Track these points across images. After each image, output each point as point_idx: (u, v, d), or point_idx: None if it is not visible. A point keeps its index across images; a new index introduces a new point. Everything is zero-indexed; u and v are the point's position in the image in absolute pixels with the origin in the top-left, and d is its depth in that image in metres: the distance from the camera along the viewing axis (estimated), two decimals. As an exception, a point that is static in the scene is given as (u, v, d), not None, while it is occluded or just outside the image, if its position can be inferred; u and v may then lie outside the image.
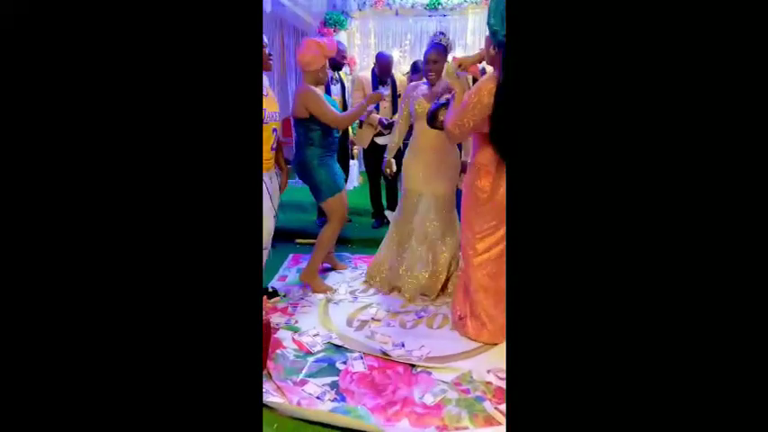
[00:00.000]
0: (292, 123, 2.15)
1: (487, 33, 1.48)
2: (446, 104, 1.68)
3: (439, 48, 1.92)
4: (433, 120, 1.75)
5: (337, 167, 2.17)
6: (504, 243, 1.62)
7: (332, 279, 2.33)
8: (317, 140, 2.04)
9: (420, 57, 4.32)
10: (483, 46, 1.60)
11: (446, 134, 1.62)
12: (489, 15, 1.41)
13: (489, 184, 1.55)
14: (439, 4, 3.71)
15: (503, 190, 1.54)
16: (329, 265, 2.45)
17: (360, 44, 4.26)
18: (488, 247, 1.63)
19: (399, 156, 2.25)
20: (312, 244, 2.91)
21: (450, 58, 1.82)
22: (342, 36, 3.95)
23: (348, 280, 2.31)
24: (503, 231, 1.60)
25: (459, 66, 1.68)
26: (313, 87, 1.98)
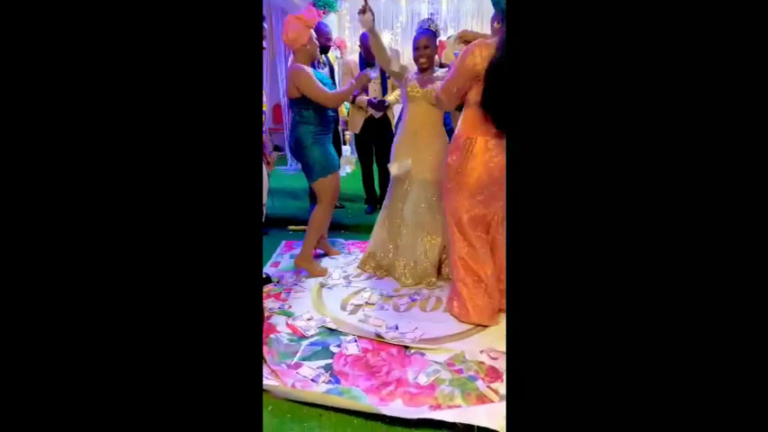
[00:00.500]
0: (286, 104, 2.12)
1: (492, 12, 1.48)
2: None
3: (428, 33, 1.90)
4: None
5: (332, 148, 2.15)
6: (474, 223, 1.63)
7: (325, 264, 2.32)
8: (310, 119, 2.02)
9: (410, 39, 4.28)
10: (473, 29, 1.59)
11: (437, 103, 1.62)
12: None
13: (457, 159, 1.55)
14: (430, -16, 3.65)
15: (471, 166, 1.53)
16: (322, 251, 2.44)
17: (350, 26, 4.18)
18: (461, 226, 1.64)
19: (389, 141, 2.22)
20: (305, 230, 2.93)
21: (447, 37, 1.82)
22: (332, 18, 3.87)
23: (342, 265, 2.31)
24: (474, 212, 1.60)
25: (460, 38, 1.69)
26: (303, 66, 1.95)
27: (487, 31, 1.51)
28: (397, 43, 4.08)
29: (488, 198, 1.59)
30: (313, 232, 2.18)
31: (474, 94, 1.48)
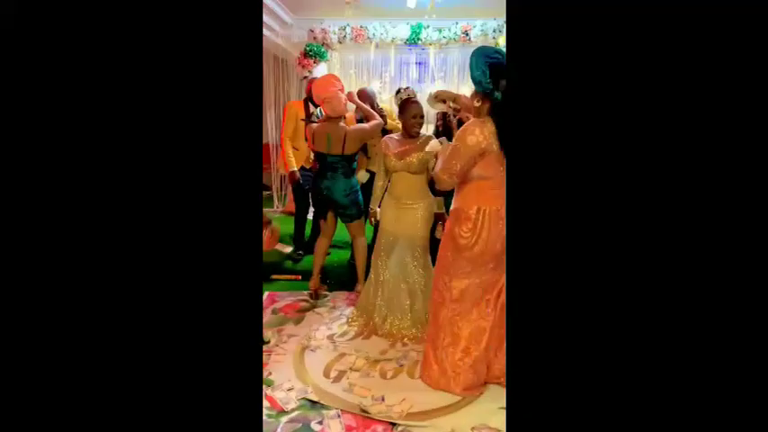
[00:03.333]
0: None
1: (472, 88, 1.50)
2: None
3: (417, 103, 1.96)
4: (431, 184, 1.79)
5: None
6: (479, 292, 1.59)
7: (309, 320, 2.23)
8: (353, 170, 2.34)
9: (400, 85, 4.38)
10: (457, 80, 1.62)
11: (437, 182, 1.60)
12: (472, 68, 1.43)
13: (468, 230, 1.52)
14: (418, 39, 3.78)
15: (486, 237, 1.51)
16: (313, 290, 2.49)
17: (340, 75, 4.27)
18: (462, 295, 1.59)
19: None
20: (291, 279, 2.84)
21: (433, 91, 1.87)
22: (322, 67, 3.95)
23: (327, 322, 2.22)
24: (478, 280, 1.57)
25: (436, 97, 1.76)
26: (360, 126, 2.30)
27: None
28: (386, 91, 4.18)
29: (498, 264, 1.56)
30: (364, 262, 2.44)
31: (479, 169, 1.48)
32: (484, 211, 1.50)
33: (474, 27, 3.74)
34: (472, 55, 1.43)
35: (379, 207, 2.18)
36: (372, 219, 2.21)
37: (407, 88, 2.02)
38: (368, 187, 2.61)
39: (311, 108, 2.85)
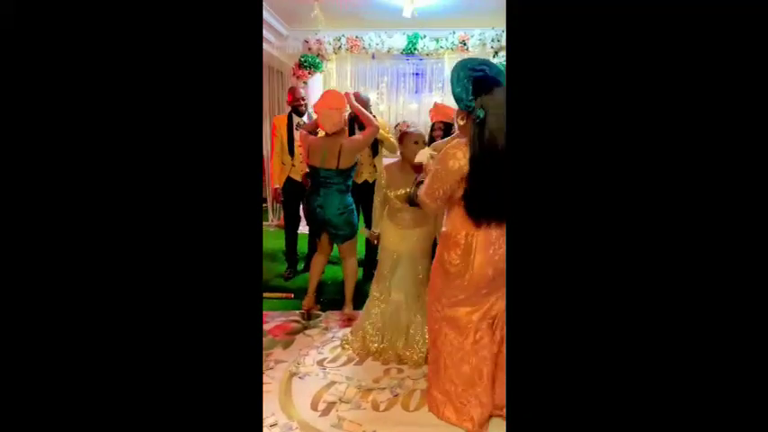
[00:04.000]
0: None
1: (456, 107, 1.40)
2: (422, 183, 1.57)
3: (414, 132, 1.88)
4: (412, 200, 1.67)
5: None
6: (474, 319, 1.47)
7: (299, 343, 2.10)
8: (349, 186, 2.24)
9: (396, 98, 4.33)
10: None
11: (422, 206, 1.49)
12: (453, 84, 1.31)
13: (458, 256, 1.40)
14: (415, 49, 3.71)
15: (477, 264, 1.39)
16: (306, 310, 2.39)
17: (336, 86, 4.21)
18: (456, 324, 1.47)
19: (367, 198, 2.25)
20: (282, 298, 2.71)
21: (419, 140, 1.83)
22: (317, 78, 3.89)
23: (318, 345, 2.09)
24: (471, 308, 1.45)
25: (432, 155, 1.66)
26: (354, 137, 2.26)
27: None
28: (383, 102, 4.11)
29: (492, 290, 1.45)
30: (353, 284, 2.36)
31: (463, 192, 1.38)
32: (472, 235, 1.38)
33: (472, 36, 3.67)
34: (454, 69, 1.31)
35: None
36: (375, 241, 2.11)
37: (404, 122, 2.10)
38: (366, 193, 2.54)
39: (295, 120, 2.79)
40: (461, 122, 1.35)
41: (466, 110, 1.31)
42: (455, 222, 1.41)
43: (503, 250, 1.39)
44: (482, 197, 1.31)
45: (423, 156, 1.57)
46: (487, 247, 1.38)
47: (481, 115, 1.26)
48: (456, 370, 1.50)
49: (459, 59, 1.35)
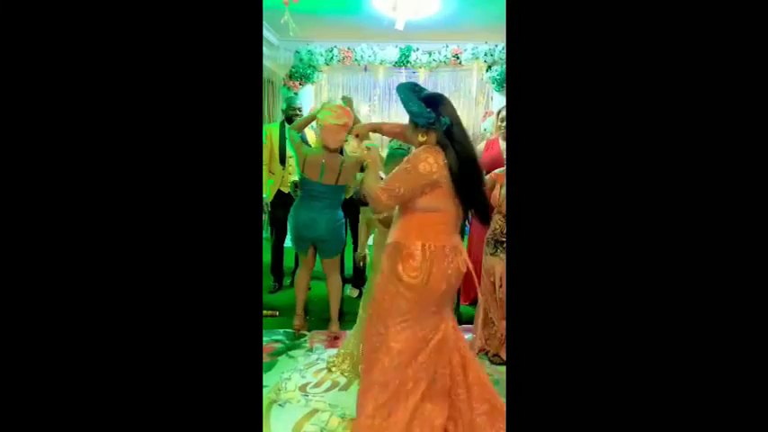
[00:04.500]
0: (312, 187, 2.13)
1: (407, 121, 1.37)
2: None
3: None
4: (361, 199, 1.63)
5: None
6: (421, 344, 1.34)
7: (281, 365, 1.99)
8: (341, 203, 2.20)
9: (389, 111, 4.29)
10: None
11: (370, 200, 1.37)
12: (406, 104, 1.31)
13: (416, 269, 1.29)
14: (408, 62, 3.68)
15: (434, 275, 1.30)
16: (298, 330, 2.32)
17: (328, 98, 4.16)
18: (401, 352, 1.33)
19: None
20: (268, 315, 2.60)
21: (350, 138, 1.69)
22: (309, 89, 3.83)
23: (301, 368, 1.98)
24: (418, 327, 1.33)
25: (357, 136, 1.61)
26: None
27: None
28: (375, 114, 4.06)
29: (440, 308, 1.37)
30: (338, 302, 2.31)
31: (430, 200, 1.30)
32: (429, 247, 1.30)
33: (465, 51, 3.65)
34: (399, 92, 1.33)
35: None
36: (361, 263, 2.05)
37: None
38: (354, 207, 2.46)
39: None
40: (422, 139, 1.33)
41: (426, 124, 1.29)
42: (409, 232, 1.32)
43: (455, 264, 1.33)
44: (471, 202, 1.33)
45: (352, 146, 1.52)
46: (442, 260, 1.31)
47: (448, 122, 1.27)
48: (395, 409, 1.33)
49: (397, 84, 1.38)
